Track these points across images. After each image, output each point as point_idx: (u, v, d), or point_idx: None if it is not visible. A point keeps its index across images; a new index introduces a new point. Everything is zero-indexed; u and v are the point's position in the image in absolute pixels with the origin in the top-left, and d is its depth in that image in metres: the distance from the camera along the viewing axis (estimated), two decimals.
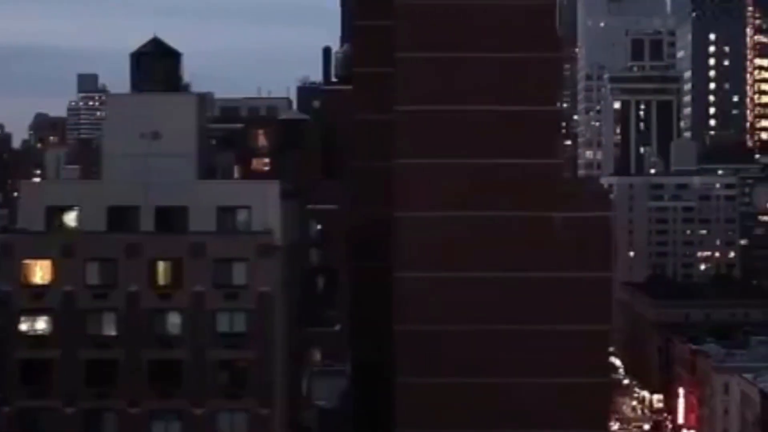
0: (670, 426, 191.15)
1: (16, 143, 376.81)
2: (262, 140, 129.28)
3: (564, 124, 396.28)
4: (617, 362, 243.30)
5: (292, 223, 72.71)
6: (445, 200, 68.49)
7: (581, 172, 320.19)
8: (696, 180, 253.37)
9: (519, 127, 68.43)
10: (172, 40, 74.17)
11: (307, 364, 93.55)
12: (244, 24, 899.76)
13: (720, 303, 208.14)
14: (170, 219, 67.42)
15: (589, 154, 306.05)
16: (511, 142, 68.46)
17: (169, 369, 64.95)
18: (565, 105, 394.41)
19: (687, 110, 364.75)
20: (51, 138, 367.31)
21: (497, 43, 68.61)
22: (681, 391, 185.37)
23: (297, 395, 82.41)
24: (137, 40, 74.87)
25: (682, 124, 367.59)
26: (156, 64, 72.61)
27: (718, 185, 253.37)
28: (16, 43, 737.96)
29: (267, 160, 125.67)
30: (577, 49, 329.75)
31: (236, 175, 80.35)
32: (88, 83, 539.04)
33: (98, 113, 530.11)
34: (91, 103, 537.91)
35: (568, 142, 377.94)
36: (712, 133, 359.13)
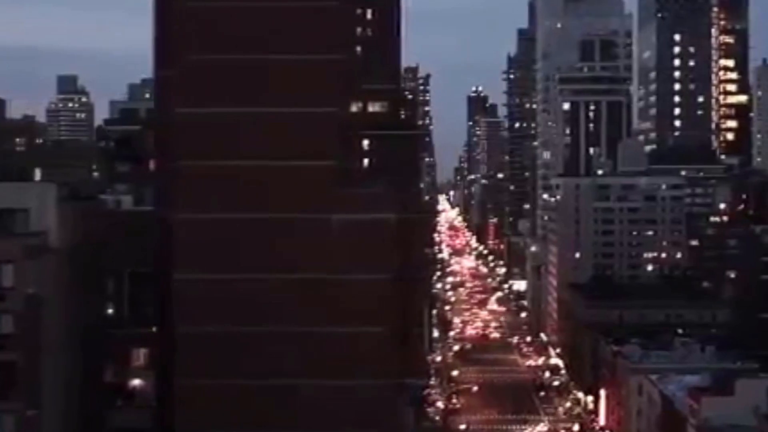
0: (597, 427, 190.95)
1: None
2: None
3: (534, 125, 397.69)
4: (560, 363, 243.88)
5: (77, 225, 72.96)
6: (224, 202, 68.63)
7: (540, 171, 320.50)
8: (642, 181, 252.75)
9: (298, 129, 68.52)
10: None
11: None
12: None
13: (655, 304, 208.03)
14: None
15: (546, 154, 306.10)
16: (290, 145, 68.52)
17: None
18: (534, 106, 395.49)
19: (652, 111, 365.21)
20: (17, 140, 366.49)
21: (281, 44, 68.66)
22: (603, 392, 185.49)
23: (100, 396, 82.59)
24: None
25: (648, 124, 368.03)
26: None
27: (664, 186, 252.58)
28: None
29: None
30: (538, 51, 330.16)
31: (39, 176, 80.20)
32: (67, 84, 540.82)
33: (78, 115, 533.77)
34: (70, 104, 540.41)
35: (536, 143, 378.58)
36: (677, 133, 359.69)
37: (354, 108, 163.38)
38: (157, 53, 76.22)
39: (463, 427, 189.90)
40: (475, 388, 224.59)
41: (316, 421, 68.62)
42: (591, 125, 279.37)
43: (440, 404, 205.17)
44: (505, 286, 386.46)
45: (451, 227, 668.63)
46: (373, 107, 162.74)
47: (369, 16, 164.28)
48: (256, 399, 68.55)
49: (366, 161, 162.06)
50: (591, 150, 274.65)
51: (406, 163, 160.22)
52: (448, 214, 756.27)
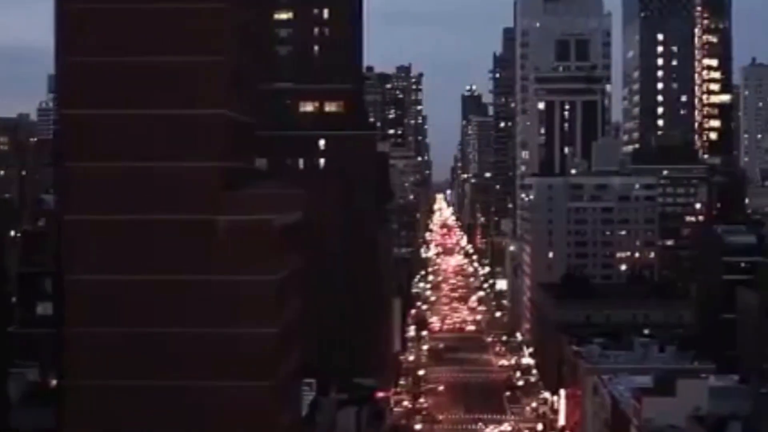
0: (559, 427, 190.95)
1: None
2: None
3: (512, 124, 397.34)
4: (531, 362, 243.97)
5: None
6: (110, 204, 68.61)
7: (519, 171, 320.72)
8: (616, 181, 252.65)
9: (182, 132, 68.57)
10: None
11: None
12: None
13: (622, 304, 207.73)
14: None
15: (524, 154, 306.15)
16: (175, 146, 68.53)
17: None
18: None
19: (635, 110, 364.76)
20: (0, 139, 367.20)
21: (164, 46, 68.70)
22: (563, 392, 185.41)
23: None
24: None
25: (632, 124, 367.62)
26: None
27: (638, 186, 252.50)
28: None
29: None
30: (518, 51, 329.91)
31: None
32: None
33: None
34: None
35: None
36: (660, 133, 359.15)
37: (310, 108, 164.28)
38: (57, 54, 76.16)
39: (418, 427, 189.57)
40: (441, 388, 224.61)
41: (203, 422, 68.67)
42: (566, 125, 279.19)
43: (406, 404, 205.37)
44: (486, 285, 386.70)
45: (443, 226, 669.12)
46: (329, 107, 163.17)
47: (326, 16, 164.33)
48: (142, 400, 68.60)
49: (322, 160, 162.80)
50: (566, 149, 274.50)
51: (361, 162, 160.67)
52: (443, 213, 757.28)
